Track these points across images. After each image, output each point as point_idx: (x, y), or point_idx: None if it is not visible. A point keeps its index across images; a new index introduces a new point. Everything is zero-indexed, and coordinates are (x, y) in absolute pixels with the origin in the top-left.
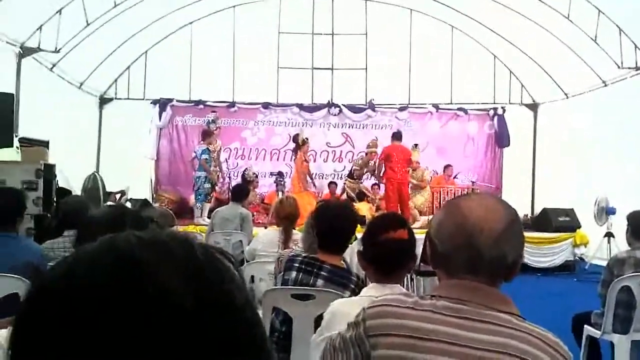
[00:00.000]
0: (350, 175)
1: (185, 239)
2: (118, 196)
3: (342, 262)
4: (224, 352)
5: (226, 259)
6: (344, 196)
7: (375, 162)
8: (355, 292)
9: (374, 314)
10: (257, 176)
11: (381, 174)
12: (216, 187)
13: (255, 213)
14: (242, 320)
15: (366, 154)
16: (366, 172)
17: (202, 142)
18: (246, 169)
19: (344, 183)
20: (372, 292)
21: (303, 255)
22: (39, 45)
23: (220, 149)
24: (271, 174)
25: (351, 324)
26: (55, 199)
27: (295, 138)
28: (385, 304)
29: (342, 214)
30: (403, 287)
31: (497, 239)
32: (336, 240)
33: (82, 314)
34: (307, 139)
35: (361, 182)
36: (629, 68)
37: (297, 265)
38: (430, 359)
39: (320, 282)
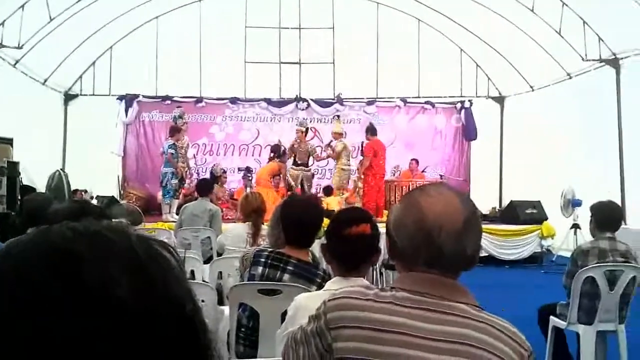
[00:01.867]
0: (295, 162)
1: (122, 230)
2: (84, 194)
3: (309, 256)
4: (162, 344)
5: (166, 251)
6: (282, 183)
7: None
8: (321, 286)
9: (335, 306)
10: (225, 172)
11: (363, 169)
12: (184, 183)
13: (224, 209)
14: (181, 312)
15: (296, 132)
16: (304, 156)
17: (169, 137)
18: (214, 164)
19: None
20: (335, 285)
21: (269, 250)
22: (2, 41)
23: (188, 145)
24: (239, 169)
25: (312, 317)
26: (19, 196)
27: (276, 148)
28: (345, 296)
29: (308, 208)
30: (372, 280)
31: (457, 235)
32: (302, 234)
33: (10, 309)
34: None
35: (307, 170)
36: (593, 60)
37: (263, 260)
38: (390, 351)
39: (286, 276)
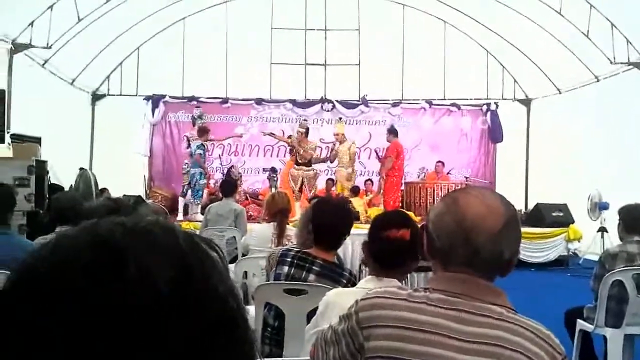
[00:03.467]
0: (297, 162)
1: (169, 227)
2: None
3: (334, 257)
4: (202, 339)
5: (212, 250)
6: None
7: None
8: (347, 287)
9: (367, 305)
10: (241, 175)
11: (386, 170)
12: (211, 184)
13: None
14: (223, 309)
15: (296, 132)
16: (306, 156)
17: (198, 138)
18: (232, 166)
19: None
20: (369, 285)
21: (296, 250)
22: (31, 41)
23: (212, 146)
24: (264, 169)
25: (343, 317)
26: (47, 195)
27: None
28: (378, 295)
29: (339, 211)
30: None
31: (495, 237)
32: (331, 236)
33: (57, 296)
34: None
35: (309, 170)
36: (622, 63)
37: (289, 259)
38: (423, 350)
39: (312, 277)
